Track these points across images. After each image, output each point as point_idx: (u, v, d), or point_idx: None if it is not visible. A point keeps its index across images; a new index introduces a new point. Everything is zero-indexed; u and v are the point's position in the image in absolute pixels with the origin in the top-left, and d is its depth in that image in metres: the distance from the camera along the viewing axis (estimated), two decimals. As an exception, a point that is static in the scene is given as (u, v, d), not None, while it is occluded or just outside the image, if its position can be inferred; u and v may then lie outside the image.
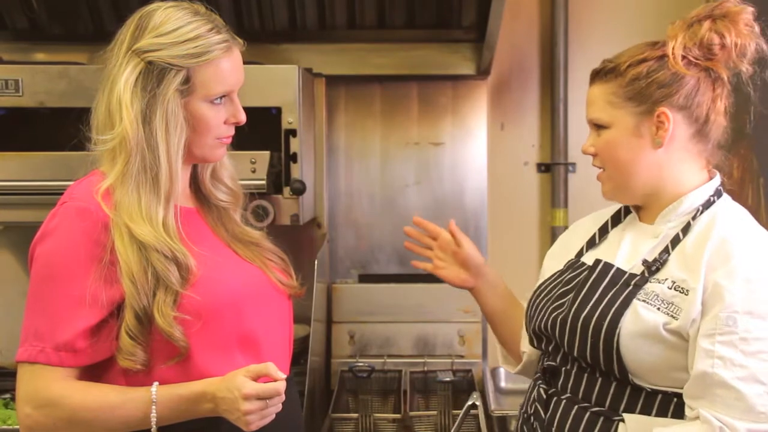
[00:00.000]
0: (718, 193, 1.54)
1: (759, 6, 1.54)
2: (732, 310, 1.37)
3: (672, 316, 1.43)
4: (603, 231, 1.66)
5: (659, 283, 1.47)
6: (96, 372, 1.49)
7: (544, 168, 2.87)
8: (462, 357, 2.75)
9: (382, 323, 2.78)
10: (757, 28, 1.50)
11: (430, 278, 2.79)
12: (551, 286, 1.64)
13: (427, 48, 2.73)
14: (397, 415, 2.36)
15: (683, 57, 1.49)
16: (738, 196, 2.28)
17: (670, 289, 1.45)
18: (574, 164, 2.83)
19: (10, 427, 2.16)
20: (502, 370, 2.81)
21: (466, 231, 2.79)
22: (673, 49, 1.49)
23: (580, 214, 2.77)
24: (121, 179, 1.48)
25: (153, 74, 1.48)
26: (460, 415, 1.94)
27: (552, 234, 2.84)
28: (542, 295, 1.64)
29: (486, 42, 2.53)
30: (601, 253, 1.61)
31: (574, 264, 1.63)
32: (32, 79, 2.21)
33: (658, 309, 1.44)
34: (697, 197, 1.52)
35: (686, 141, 1.51)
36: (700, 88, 1.49)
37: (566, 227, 2.82)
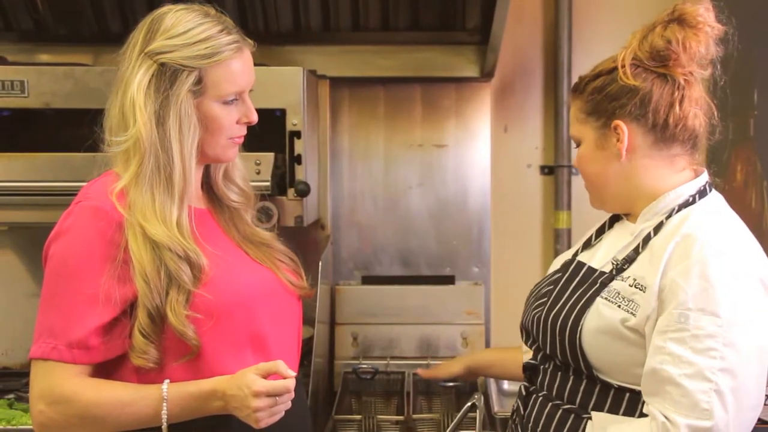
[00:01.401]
0: (701, 193, 1.53)
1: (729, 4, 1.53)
2: (685, 308, 1.37)
3: (631, 312, 1.44)
4: (599, 232, 1.68)
5: (623, 280, 1.49)
6: (108, 369, 1.51)
7: (548, 170, 2.87)
8: (465, 359, 2.75)
9: (386, 325, 2.78)
10: (713, 27, 1.49)
11: (434, 280, 2.83)
12: (541, 285, 1.67)
13: (430, 50, 2.73)
14: (400, 417, 2.36)
15: (637, 66, 1.50)
16: (741, 200, 2.29)
17: (631, 286, 1.47)
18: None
19: (15, 427, 2.16)
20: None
21: (469, 233, 2.85)
22: (622, 58, 1.51)
23: (583, 217, 2.81)
24: (135, 180, 1.50)
25: (166, 76, 1.50)
26: (458, 415, 1.95)
27: (555, 236, 2.84)
28: (532, 293, 1.68)
29: (490, 44, 2.53)
30: (588, 254, 1.64)
31: (566, 264, 1.66)
32: (38, 80, 2.21)
33: (619, 306, 1.46)
34: (677, 196, 1.52)
35: (648, 149, 1.52)
36: (653, 95, 1.49)
37: (569, 230, 2.83)
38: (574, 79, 2.76)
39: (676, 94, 1.49)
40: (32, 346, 1.48)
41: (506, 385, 2.80)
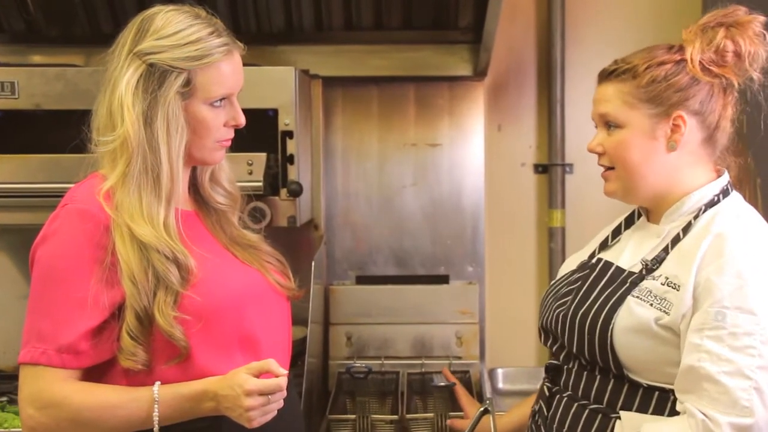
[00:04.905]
0: (724, 192, 1.54)
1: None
2: (721, 305, 1.38)
3: (664, 311, 1.44)
4: (616, 233, 1.68)
5: (654, 279, 1.49)
6: (97, 373, 1.50)
7: (542, 169, 2.87)
8: (459, 358, 2.75)
9: (380, 325, 2.77)
10: (766, 37, 1.51)
11: (428, 279, 2.83)
12: (560, 285, 1.66)
13: (424, 49, 2.73)
14: (395, 417, 2.35)
15: (699, 62, 1.51)
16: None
17: (663, 285, 1.46)
18: (571, 165, 2.84)
19: (7, 429, 2.15)
20: (499, 371, 2.81)
21: (464, 232, 2.84)
22: (691, 54, 1.51)
23: (578, 215, 2.81)
24: (122, 180, 1.49)
25: (154, 76, 1.49)
26: (471, 422, 1.92)
27: (549, 235, 2.84)
28: (551, 293, 1.67)
29: (483, 43, 2.53)
30: (610, 254, 1.63)
31: (585, 264, 1.65)
32: (28, 82, 2.21)
33: (651, 305, 1.46)
34: (701, 196, 1.53)
35: (697, 146, 1.53)
36: (714, 94, 1.51)
37: (563, 228, 2.83)
38: (568, 77, 2.82)
39: (731, 97, 1.52)
40: (21, 351, 1.47)
41: (501, 384, 2.80)
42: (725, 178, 1.56)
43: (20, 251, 2.66)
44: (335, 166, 2.84)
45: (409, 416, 2.34)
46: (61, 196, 1.55)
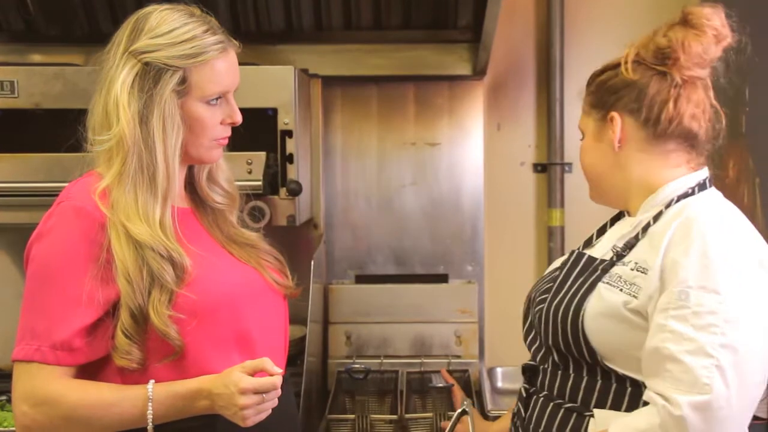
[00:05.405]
0: (701, 186, 1.54)
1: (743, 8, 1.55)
2: (685, 285, 1.37)
3: (633, 295, 1.45)
4: (600, 232, 1.69)
5: (624, 265, 1.50)
6: (92, 370, 1.50)
7: (541, 168, 2.87)
8: (459, 357, 2.75)
9: (379, 324, 2.78)
10: (718, 30, 1.50)
11: (427, 279, 2.83)
12: (542, 283, 1.68)
13: (423, 49, 2.73)
14: (394, 416, 2.35)
15: (640, 63, 1.54)
16: (733, 196, 2.29)
17: (633, 270, 1.48)
18: (570, 164, 2.83)
19: (6, 428, 2.15)
20: (498, 370, 2.81)
21: (463, 231, 2.85)
22: (626, 56, 1.55)
23: (577, 214, 2.81)
24: (118, 179, 1.49)
25: (150, 75, 1.50)
26: (451, 422, 1.93)
27: (548, 234, 2.84)
28: (533, 291, 1.69)
29: (482, 42, 2.53)
30: (590, 249, 1.65)
31: (565, 261, 1.66)
32: (28, 81, 2.21)
33: (621, 290, 1.47)
34: (676, 187, 1.53)
35: (641, 142, 1.55)
36: (649, 91, 1.52)
37: (563, 227, 2.83)
38: (567, 77, 2.82)
39: (672, 92, 1.51)
40: (15, 348, 1.47)
41: (500, 383, 2.81)
42: (704, 173, 1.56)
43: (19, 250, 2.60)
44: (334, 166, 2.84)
45: (408, 416, 2.34)
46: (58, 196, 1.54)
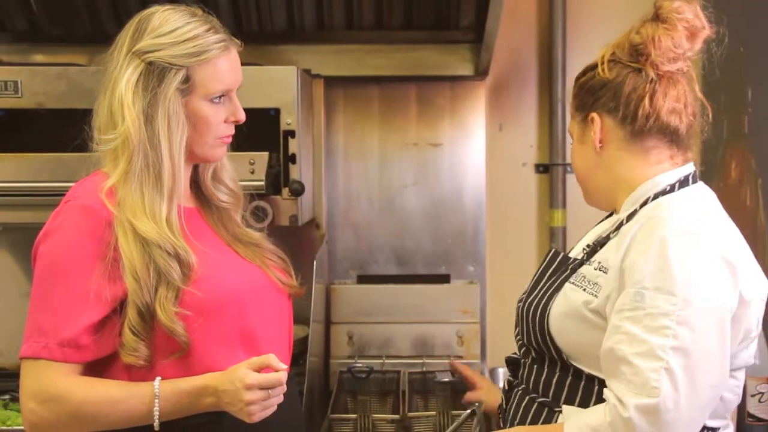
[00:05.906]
0: (682, 183, 1.52)
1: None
2: (641, 286, 1.37)
3: (593, 295, 1.46)
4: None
5: (590, 265, 1.51)
6: (98, 367, 1.51)
7: (543, 169, 2.87)
8: (461, 357, 2.75)
9: (381, 324, 2.78)
10: (688, 22, 1.50)
11: (429, 279, 2.83)
12: (529, 283, 1.69)
13: (425, 49, 2.73)
14: (396, 416, 2.35)
15: (615, 61, 1.53)
16: (735, 197, 2.29)
17: (596, 269, 1.49)
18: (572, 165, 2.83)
19: (10, 427, 2.16)
20: (500, 371, 2.81)
21: (465, 232, 2.85)
22: (602, 56, 1.55)
23: (579, 215, 2.81)
24: (124, 178, 1.51)
25: (154, 74, 1.52)
26: (457, 422, 1.93)
27: (550, 234, 2.84)
28: (524, 292, 1.70)
29: (484, 43, 2.53)
30: (573, 249, 1.68)
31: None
32: (31, 81, 2.21)
33: (584, 290, 1.48)
34: (654, 185, 1.52)
35: (621, 141, 1.54)
36: (624, 88, 1.51)
37: (564, 228, 2.83)
38: (569, 77, 2.82)
39: (648, 87, 1.50)
40: (23, 346, 1.49)
41: (502, 383, 2.79)
42: (687, 169, 1.54)
43: (23, 250, 2.66)
44: (337, 166, 2.84)
45: (410, 415, 2.34)
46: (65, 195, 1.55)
